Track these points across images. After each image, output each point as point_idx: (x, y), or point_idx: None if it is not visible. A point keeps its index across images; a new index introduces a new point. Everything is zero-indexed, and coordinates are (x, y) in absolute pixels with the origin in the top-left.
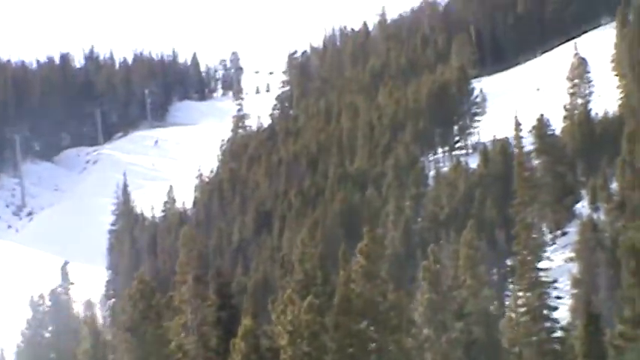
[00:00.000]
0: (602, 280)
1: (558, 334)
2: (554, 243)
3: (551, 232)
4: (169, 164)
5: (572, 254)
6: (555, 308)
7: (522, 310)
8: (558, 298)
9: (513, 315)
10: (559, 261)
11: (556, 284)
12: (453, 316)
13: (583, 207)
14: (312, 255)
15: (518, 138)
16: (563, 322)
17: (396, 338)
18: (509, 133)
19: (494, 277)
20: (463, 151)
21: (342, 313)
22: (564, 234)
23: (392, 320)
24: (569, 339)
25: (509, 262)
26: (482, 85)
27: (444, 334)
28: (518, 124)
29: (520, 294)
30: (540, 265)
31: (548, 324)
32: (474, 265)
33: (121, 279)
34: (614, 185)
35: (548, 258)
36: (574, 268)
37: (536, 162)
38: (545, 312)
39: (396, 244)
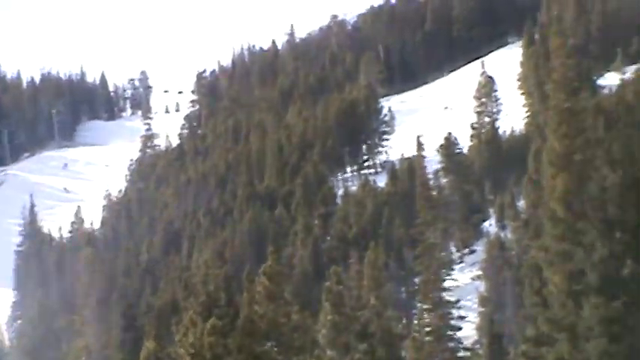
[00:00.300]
0: (509, 299)
1: (462, 354)
2: (461, 261)
3: (458, 251)
4: (80, 185)
5: (480, 272)
6: (459, 328)
7: (426, 330)
8: (462, 318)
9: (418, 335)
10: (466, 279)
11: (463, 302)
12: (357, 336)
13: (490, 225)
14: (216, 276)
15: (421, 158)
16: (470, 341)
17: (300, 359)
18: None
19: (402, 296)
20: (372, 170)
21: (245, 334)
22: (472, 252)
23: (296, 341)
24: (473, 358)
25: (417, 281)
26: (390, 103)
27: (347, 355)
28: (420, 145)
29: (424, 314)
30: (447, 283)
31: (452, 344)
32: (378, 285)
33: (26, 301)
34: (522, 203)
35: (451, 279)
36: (481, 286)
37: (444, 180)
38: (449, 332)
39: (304, 263)
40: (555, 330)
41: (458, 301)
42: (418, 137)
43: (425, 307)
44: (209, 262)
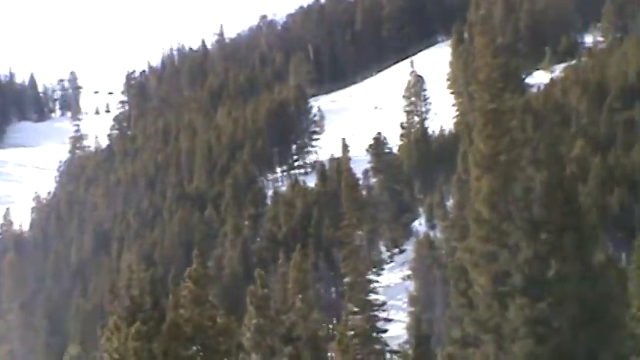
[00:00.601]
0: (438, 298)
1: (388, 356)
2: (391, 261)
3: (388, 250)
4: (9, 187)
5: (409, 272)
6: (385, 330)
7: (352, 332)
8: (388, 320)
9: (343, 337)
10: (397, 279)
11: (393, 302)
12: (282, 340)
13: (420, 225)
14: (142, 279)
15: (347, 159)
16: (400, 340)
17: None
18: (347, 151)
19: (333, 296)
20: (301, 170)
21: (170, 339)
22: (402, 251)
23: (221, 345)
24: None
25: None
26: (320, 103)
27: (272, 358)
28: (345, 146)
29: (350, 316)
30: (375, 284)
31: (378, 346)
32: (303, 287)
33: None
34: (451, 202)
35: (377, 280)
36: (411, 285)
37: (373, 180)
38: (375, 334)
39: (234, 264)
40: (481, 331)
41: (384, 303)
42: (343, 139)
43: (351, 309)
44: (133, 266)
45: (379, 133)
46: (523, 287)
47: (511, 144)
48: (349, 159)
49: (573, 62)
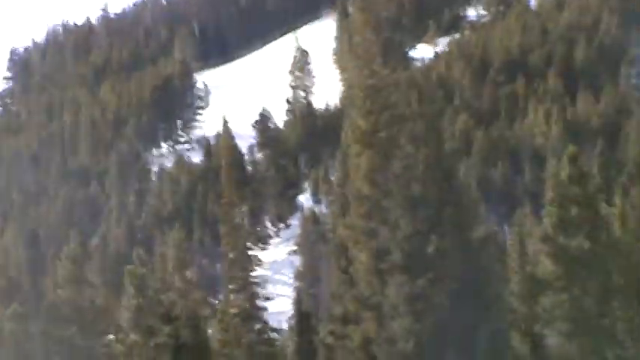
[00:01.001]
0: (324, 273)
1: (269, 335)
2: (277, 236)
3: (274, 225)
4: None
5: (295, 247)
6: (265, 309)
7: (232, 311)
8: (268, 299)
9: (224, 316)
10: (282, 254)
11: (279, 277)
12: (161, 319)
13: (306, 199)
14: (20, 259)
15: (227, 136)
16: (286, 316)
17: (104, 343)
18: (233, 127)
19: (218, 272)
20: (187, 146)
21: (49, 319)
22: (288, 227)
23: (99, 325)
24: (282, 339)
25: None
26: (205, 78)
27: (151, 338)
28: (226, 123)
29: (231, 295)
30: (258, 261)
31: (259, 325)
32: (183, 266)
33: None
34: (335, 177)
35: (258, 258)
36: (297, 260)
37: (259, 155)
38: (255, 313)
39: (119, 242)
40: (362, 308)
41: (265, 280)
42: (224, 117)
43: (231, 287)
44: (10, 246)
45: (264, 109)
46: (403, 264)
47: (390, 120)
48: (232, 135)
49: (457, 36)
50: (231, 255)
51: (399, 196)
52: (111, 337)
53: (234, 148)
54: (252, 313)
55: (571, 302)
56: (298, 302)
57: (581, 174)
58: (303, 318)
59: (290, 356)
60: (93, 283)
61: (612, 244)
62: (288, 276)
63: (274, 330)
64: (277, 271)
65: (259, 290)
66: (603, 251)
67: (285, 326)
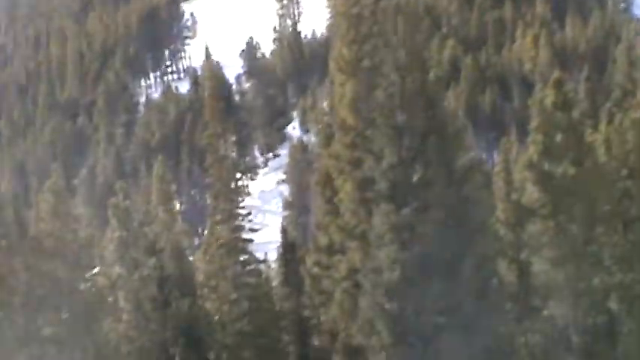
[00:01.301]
0: (312, 202)
1: (255, 266)
2: (266, 166)
3: (263, 155)
4: None
5: (284, 176)
6: (251, 240)
7: (217, 243)
8: (253, 230)
9: (209, 248)
10: (271, 184)
11: (268, 207)
12: (145, 252)
13: (294, 129)
14: (4, 192)
15: (212, 66)
16: (275, 245)
17: (88, 277)
18: (221, 56)
19: (207, 202)
20: (175, 76)
21: (32, 254)
22: (276, 156)
23: (83, 259)
24: (267, 270)
25: None
26: (193, 8)
27: (135, 271)
28: (208, 52)
29: (216, 226)
30: (245, 192)
31: (244, 256)
32: (166, 199)
33: None
34: (325, 105)
35: (245, 190)
36: (286, 190)
37: (247, 85)
38: (240, 244)
39: (107, 173)
40: (347, 238)
41: (249, 213)
42: (207, 48)
43: (216, 218)
44: None
45: (251, 38)
46: (388, 193)
47: (374, 49)
48: (219, 65)
49: None
50: (216, 186)
51: (383, 126)
52: (95, 270)
53: (219, 78)
54: (237, 245)
55: (557, 229)
56: (284, 232)
57: (565, 100)
58: (289, 248)
59: (276, 287)
60: (78, 216)
61: (597, 171)
62: (277, 205)
63: (260, 261)
64: (266, 200)
65: (245, 221)
66: (588, 178)
67: (274, 256)
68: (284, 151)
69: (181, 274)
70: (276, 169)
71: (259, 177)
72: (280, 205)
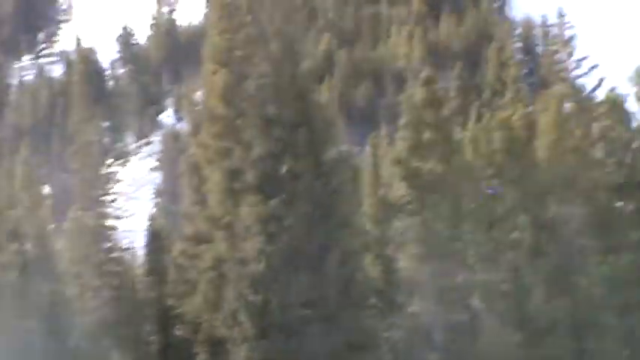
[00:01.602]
0: (184, 190)
1: (118, 254)
2: (138, 152)
3: (135, 142)
4: None
5: (156, 164)
6: (115, 227)
7: (81, 229)
8: (118, 218)
9: (72, 234)
10: (144, 171)
11: (139, 194)
12: (8, 237)
13: (168, 117)
14: None
15: (83, 52)
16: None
17: None
18: (96, 42)
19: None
20: (49, 59)
21: None
22: (149, 143)
23: None
24: (132, 258)
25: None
26: None
27: None
28: (80, 39)
29: (79, 213)
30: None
31: (108, 244)
32: (31, 183)
33: None
34: (200, 94)
35: (113, 176)
36: (158, 177)
37: (121, 71)
38: (104, 231)
39: None
40: (213, 228)
41: (114, 200)
42: (79, 32)
43: (80, 205)
44: None
45: (126, 24)
46: (256, 184)
47: (246, 39)
48: (91, 50)
49: None
50: (81, 172)
51: (253, 116)
52: None
53: (92, 63)
54: (102, 232)
55: (422, 226)
56: (152, 220)
57: (435, 98)
58: (154, 237)
59: (140, 276)
60: None
61: (464, 169)
62: (149, 193)
63: (125, 249)
64: (138, 187)
65: (111, 208)
66: (455, 175)
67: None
68: (157, 139)
69: (43, 259)
70: (149, 156)
71: (132, 164)
72: (152, 192)
